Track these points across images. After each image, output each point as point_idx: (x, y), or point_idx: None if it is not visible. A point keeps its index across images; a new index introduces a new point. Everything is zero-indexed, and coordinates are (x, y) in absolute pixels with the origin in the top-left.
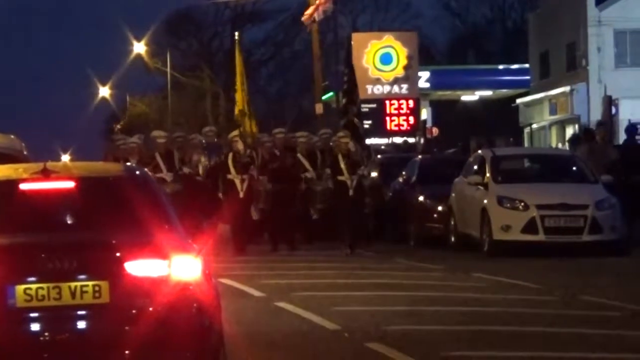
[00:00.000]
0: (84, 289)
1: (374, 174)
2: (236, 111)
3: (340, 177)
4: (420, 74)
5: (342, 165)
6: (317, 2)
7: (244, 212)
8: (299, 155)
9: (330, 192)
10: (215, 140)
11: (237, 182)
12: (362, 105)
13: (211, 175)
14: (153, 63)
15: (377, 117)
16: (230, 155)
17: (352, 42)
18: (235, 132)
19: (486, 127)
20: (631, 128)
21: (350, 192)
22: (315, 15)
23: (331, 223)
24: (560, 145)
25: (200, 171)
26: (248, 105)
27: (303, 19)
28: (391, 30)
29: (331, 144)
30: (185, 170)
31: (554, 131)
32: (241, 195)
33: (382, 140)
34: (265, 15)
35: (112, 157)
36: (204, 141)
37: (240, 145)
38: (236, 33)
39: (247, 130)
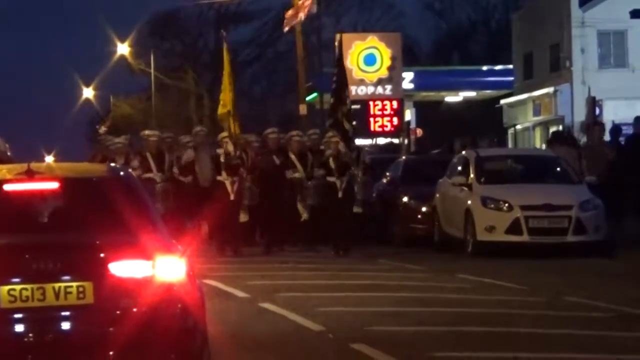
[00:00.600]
0: (68, 289)
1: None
2: (220, 110)
3: (329, 179)
4: (404, 74)
5: (332, 166)
6: (300, 3)
7: (234, 215)
8: (290, 154)
9: (322, 188)
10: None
11: (228, 184)
12: None
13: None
14: (137, 64)
15: (361, 118)
16: (221, 156)
17: (336, 43)
18: (225, 133)
19: (470, 128)
20: (615, 129)
21: (340, 194)
22: (302, 15)
23: (320, 224)
24: (544, 146)
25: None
26: (234, 106)
27: (284, 24)
28: (375, 31)
29: (322, 146)
30: (175, 171)
31: (537, 132)
32: (232, 197)
33: (366, 141)
34: (249, 16)
35: (101, 157)
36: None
37: (230, 147)
38: (223, 32)
39: (230, 131)
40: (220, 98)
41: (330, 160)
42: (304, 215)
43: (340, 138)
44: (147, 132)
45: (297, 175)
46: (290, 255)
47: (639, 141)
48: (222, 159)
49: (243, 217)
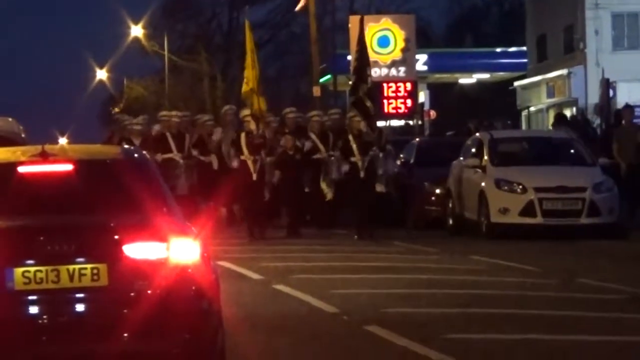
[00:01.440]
0: (83, 271)
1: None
2: (244, 88)
3: (351, 159)
4: (417, 56)
5: (354, 146)
6: None
7: (258, 195)
8: (311, 134)
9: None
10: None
11: (250, 163)
12: None
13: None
14: (150, 46)
15: (374, 100)
16: (243, 135)
17: (350, 25)
18: (247, 111)
19: (484, 110)
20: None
21: (362, 174)
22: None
23: (345, 204)
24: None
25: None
26: (258, 83)
27: (298, 4)
28: (389, 13)
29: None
30: (194, 152)
31: (551, 114)
32: (254, 177)
33: (380, 123)
34: None
35: (119, 138)
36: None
37: (252, 125)
38: (247, 7)
39: (255, 108)
40: (244, 76)
41: (352, 139)
42: (329, 195)
43: (361, 117)
44: (165, 112)
45: (319, 155)
46: (308, 238)
47: None
48: (243, 138)
49: (266, 196)
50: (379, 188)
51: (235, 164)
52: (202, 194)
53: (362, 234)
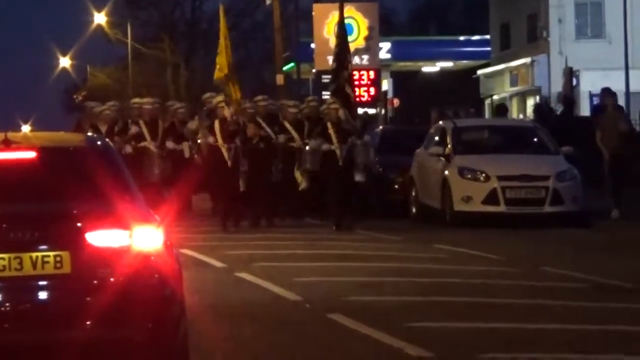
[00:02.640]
0: (46, 259)
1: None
2: (217, 75)
3: (329, 147)
4: (381, 44)
5: (332, 134)
6: None
7: (232, 183)
8: (285, 123)
9: (321, 156)
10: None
11: (224, 150)
12: (323, 76)
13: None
14: (114, 34)
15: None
16: (217, 122)
17: (314, 14)
18: (220, 97)
19: (447, 99)
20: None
21: (340, 162)
22: None
23: (319, 192)
24: (521, 117)
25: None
26: (231, 69)
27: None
28: (352, 1)
29: (322, 111)
30: (169, 144)
31: (514, 102)
32: (229, 164)
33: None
34: None
35: (88, 125)
36: (205, 108)
37: (226, 112)
38: (220, 5)
39: (230, 95)
40: (216, 61)
41: (330, 127)
42: (303, 185)
43: (341, 105)
44: (137, 99)
45: (294, 144)
46: (279, 228)
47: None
48: (217, 125)
49: (242, 186)
50: (358, 177)
51: (210, 139)
52: (176, 183)
53: (340, 225)
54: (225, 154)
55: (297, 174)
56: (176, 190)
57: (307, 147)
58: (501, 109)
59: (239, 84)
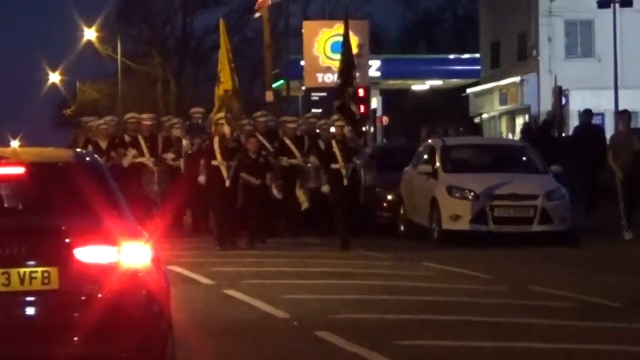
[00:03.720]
0: (33, 275)
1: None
2: (219, 92)
3: (334, 165)
4: (370, 62)
5: (337, 152)
6: None
7: (230, 202)
8: (285, 139)
9: (328, 175)
10: (200, 122)
11: (223, 169)
12: (312, 94)
13: (194, 160)
14: (104, 49)
15: (327, 106)
16: (216, 139)
17: (303, 31)
18: (221, 114)
19: (436, 117)
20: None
21: (345, 182)
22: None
23: (322, 212)
24: (510, 135)
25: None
26: (234, 85)
27: (255, 9)
28: (342, 18)
29: (317, 130)
30: (169, 156)
31: (504, 121)
32: (227, 183)
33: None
34: (216, 2)
35: (84, 140)
36: (187, 123)
37: (227, 129)
38: (221, 20)
39: (234, 111)
40: (219, 77)
41: (335, 145)
42: (305, 205)
43: (346, 122)
44: (134, 114)
45: (294, 161)
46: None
47: (587, 132)
48: (216, 142)
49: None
50: (361, 199)
51: (201, 179)
52: (176, 199)
53: (347, 245)
54: (224, 173)
55: (300, 193)
56: (171, 205)
57: (309, 164)
58: (475, 127)
59: (240, 100)
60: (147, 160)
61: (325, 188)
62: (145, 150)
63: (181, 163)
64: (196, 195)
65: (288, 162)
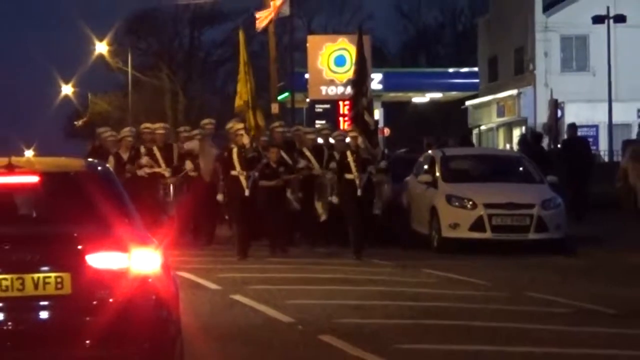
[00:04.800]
0: (47, 280)
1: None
2: (237, 102)
3: (348, 176)
4: (372, 75)
5: (351, 163)
6: (272, 5)
7: (249, 212)
8: (304, 150)
9: (340, 186)
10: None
11: (242, 179)
12: (316, 105)
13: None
14: (114, 62)
15: (331, 117)
16: (235, 150)
17: (308, 45)
18: (240, 125)
19: (436, 128)
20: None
21: (359, 192)
22: (273, 14)
23: (339, 224)
24: (507, 146)
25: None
26: (253, 96)
27: (257, 23)
28: (345, 33)
29: (332, 140)
30: (189, 166)
31: (501, 132)
32: (246, 193)
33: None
34: (223, 17)
35: (101, 151)
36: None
37: (245, 140)
38: (240, 31)
39: (251, 123)
40: (237, 90)
41: (349, 155)
42: (323, 216)
43: (359, 132)
44: (148, 125)
45: (314, 172)
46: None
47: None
48: (235, 152)
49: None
50: (377, 211)
51: (220, 197)
52: (193, 209)
53: (360, 253)
54: (244, 182)
55: (318, 205)
56: (183, 214)
57: (329, 178)
58: (464, 139)
59: (261, 110)
60: (163, 170)
61: (334, 199)
62: (160, 160)
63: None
64: (212, 205)
65: (306, 166)
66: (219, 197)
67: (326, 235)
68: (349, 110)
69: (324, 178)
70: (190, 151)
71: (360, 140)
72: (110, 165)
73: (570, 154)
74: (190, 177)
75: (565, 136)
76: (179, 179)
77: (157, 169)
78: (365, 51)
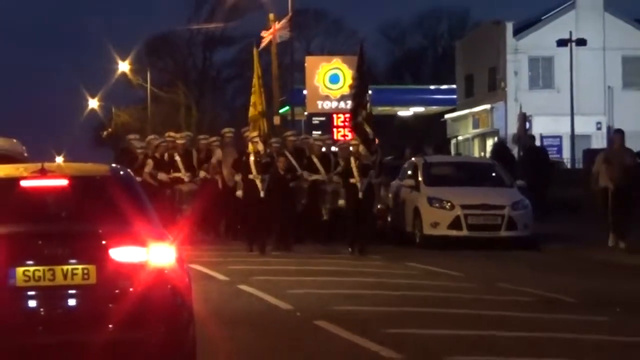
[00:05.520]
0: (75, 271)
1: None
2: (252, 112)
3: (351, 180)
4: None
5: (354, 168)
6: (273, 27)
7: (264, 213)
8: (312, 157)
9: (340, 193)
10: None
11: (258, 182)
12: (314, 118)
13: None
14: (135, 79)
15: (325, 129)
16: (252, 155)
17: (306, 64)
18: (255, 133)
19: (418, 139)
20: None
21: (360, 195)
22: (276, 37)
23: (340, 224)
24: (482, 155)
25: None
26: (264, 106)
27: (262, 42)
28: (339, 54)
29: (334, 148)
30: (202, 174)
31: (476, 142)
32: (262, 195)
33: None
34: (232, 40)
35: (127, 152)
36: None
37: (260, 146)
38: (254, 49)
39: (264, 130)
40: (251, 101)
41: (352, 162)
42: (325, 217)
43: (360, 141)
44: (172, 133)
45: (317, 176)
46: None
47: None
48: (252, 158)
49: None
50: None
51: (239, 193)
52: (210, 215)
53: (354, 248)
54: (259, 185)
55: (323, 210)
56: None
57: (329, 188)
58: (438, 148)
59: (268, 120)
60: (183, 175)
61: (341, 202)
62: (181, 166)
63: (217, 177)
64: (228, 205)
65: (310, 176)
66: (239, 193)
67: (327, 234)
68: (350, 120)
69: (327, 184)
70: (219, 159)
71: (361, 147)
72: (149, 166)
73: (531, 163)
74: (205, 181)
75: (525, 147)
76: (196, 182)
77: (177, 174)
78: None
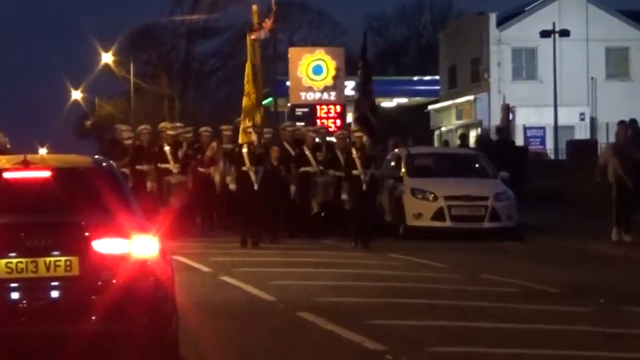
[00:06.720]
0: (57, 263)
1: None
2: (246, 102)
3: (354, 172)
4: (346, 83)
5: (356, 160)
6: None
7: (258, 205)
8: (305, 149)
9: (331, 185)
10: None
11: (252, 174)
12: (297, 109)
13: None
14: (119, 71)
15: (309, 120)
16: (245, 146)
17: (289, 56)
18: (249, 123)
19: (402, 130)
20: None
21: (364, 187)
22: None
23: (333, 217)
24: (458, 143)
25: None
26: (259, 96)
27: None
28: (322, 46)
29: (329, 138)
30: (201, 168)
31: (459, 134)
32: (255, 187)
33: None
34: (215, 31)
35: (120, 149)
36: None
37: (254, 137)
38: (247, 36)
39: (258, 120)
40: (245, 89)
41: (354, 153)
42: (315, 208)
43: (364, 132)
44: (164, 124)
45: (310, 169)
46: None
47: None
48: (245, 149)
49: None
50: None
51: (232, 186)
52: (201, 205)
53: (357, 242)
54: (253, 177)
55: (314, 202)
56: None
57: (320, 180)
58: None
59: (261, 110)
60: (172, 167)
61: (344, 196)
62: (170, 157)
63: (211, 170)
64: (222, 197)
65: (303, 170)
66: (232, 186)
67: (317, 226)
68: (354, 111)
69: (318, 177)
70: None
71: (365, 138)
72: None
73: (505, 155)
74: (196, 173)
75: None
76: (185, 174)
77: (166, 165)
78: (340, 62)
